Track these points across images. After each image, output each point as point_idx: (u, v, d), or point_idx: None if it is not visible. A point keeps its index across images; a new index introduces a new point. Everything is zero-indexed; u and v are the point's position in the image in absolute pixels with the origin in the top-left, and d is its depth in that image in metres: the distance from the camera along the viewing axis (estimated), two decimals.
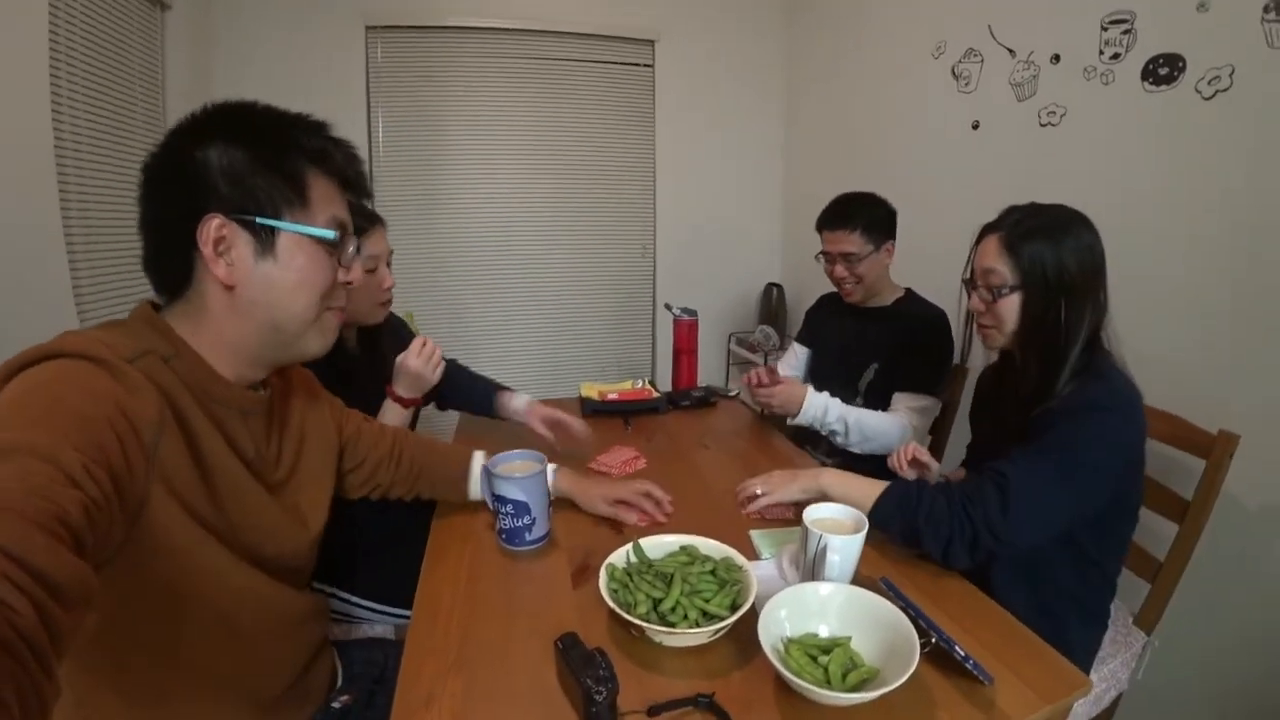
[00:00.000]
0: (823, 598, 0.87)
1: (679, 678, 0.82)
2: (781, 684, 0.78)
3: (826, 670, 0.77)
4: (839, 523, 1.00)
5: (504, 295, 3.55)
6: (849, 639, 0.83)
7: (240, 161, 0.74)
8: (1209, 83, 1.52)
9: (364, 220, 1.35)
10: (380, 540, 1.35)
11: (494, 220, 3.47)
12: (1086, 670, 1.17)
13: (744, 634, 0.85)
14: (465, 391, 1.72)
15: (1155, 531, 1.30)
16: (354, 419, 1.15)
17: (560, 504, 1.25)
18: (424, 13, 3.20)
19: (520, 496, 1.10)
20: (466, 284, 3.49)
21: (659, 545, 1.02)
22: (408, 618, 1.35)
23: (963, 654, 0.80)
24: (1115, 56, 1.75)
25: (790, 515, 1.24)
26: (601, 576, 0.93)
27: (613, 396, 1.91)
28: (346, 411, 1.15)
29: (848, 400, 1.73)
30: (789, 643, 0.82)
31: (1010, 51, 2.11)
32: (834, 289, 1.96)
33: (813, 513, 1.00)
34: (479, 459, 1.25)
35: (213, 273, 0.74)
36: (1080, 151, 1.88)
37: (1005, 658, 0.85)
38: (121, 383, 0.63)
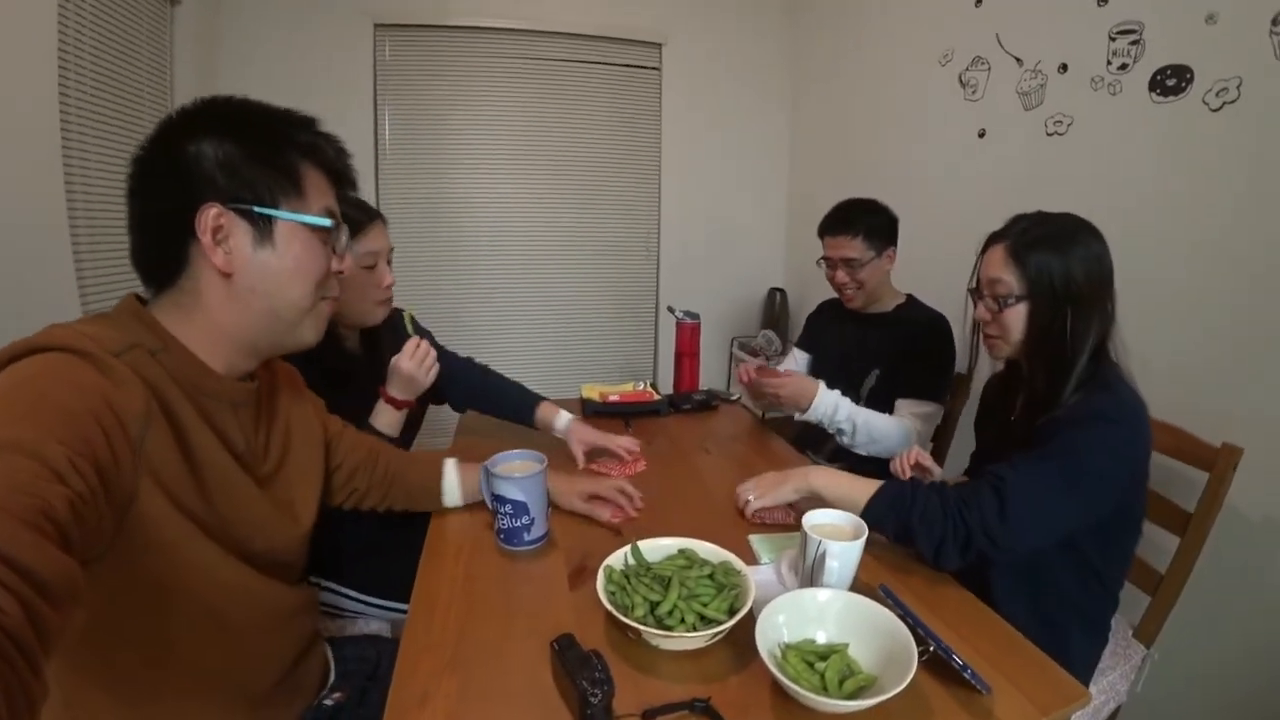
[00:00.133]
0: (821, 604, 0.87)
1: (675, 681, 0.81)
2: (778, 690, 0.78)
3: (823, 677, 0.77)
4: (838, 528, 1.00)
5: (507, 295, 3.55)
6: (846, 646, 0.82)
7: (235, 154, 0.75)
8: (1216, 94, 1.52)
9: (363, 215, 1.35)
10: (376, 534, 1.34)
11: (498, 220, 3.47)
12: (1086, 682, 1.16)
13: (741, 639, 0.85)
14: (494, 395, 1.68)
15: (1156, 544, 1.30)
16: (335, 421, 1.15)
17: (567, 510, 1.25)
18: (432, 12, 3.21)
19: (519, 496, 1.10)
20: (470, 283, 3.49)
21: (657, 548, 1.01)
22: (403, 612, 1.36)
23: (960, 663, 0.79)
24: (1123, 67, 1.75)
25: (791, 520, 1.24)
26: (599, 578, 0.92)
27: (614, 398, 1.91)
28: (329, 414, 1.15)
29: None
30: (786, 648, 0.82)
31: (1018, 60, 2.11)
32: (835, 295, 1.96)
33: (812, 518, 0.99)
34: (451, 466, 1.25)
35: (211, 261, 0.74)
36: (1087, 161, 1.87)
37: (1003, 668, 0.84)
38: (107, 376, 0.63)
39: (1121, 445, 1.03)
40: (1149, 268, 1.61)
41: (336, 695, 1.02)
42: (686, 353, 2.07)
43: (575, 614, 0.95)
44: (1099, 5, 1.81)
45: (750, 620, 0.84)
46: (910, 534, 1.05)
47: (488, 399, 1.69)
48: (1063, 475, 1.00)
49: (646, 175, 3.63)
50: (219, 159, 0.74)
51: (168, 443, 0.70)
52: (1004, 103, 2.16)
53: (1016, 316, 1.12)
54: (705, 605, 0.87)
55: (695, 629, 0.84)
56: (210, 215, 0.73)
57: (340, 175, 0.88)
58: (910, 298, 1.91)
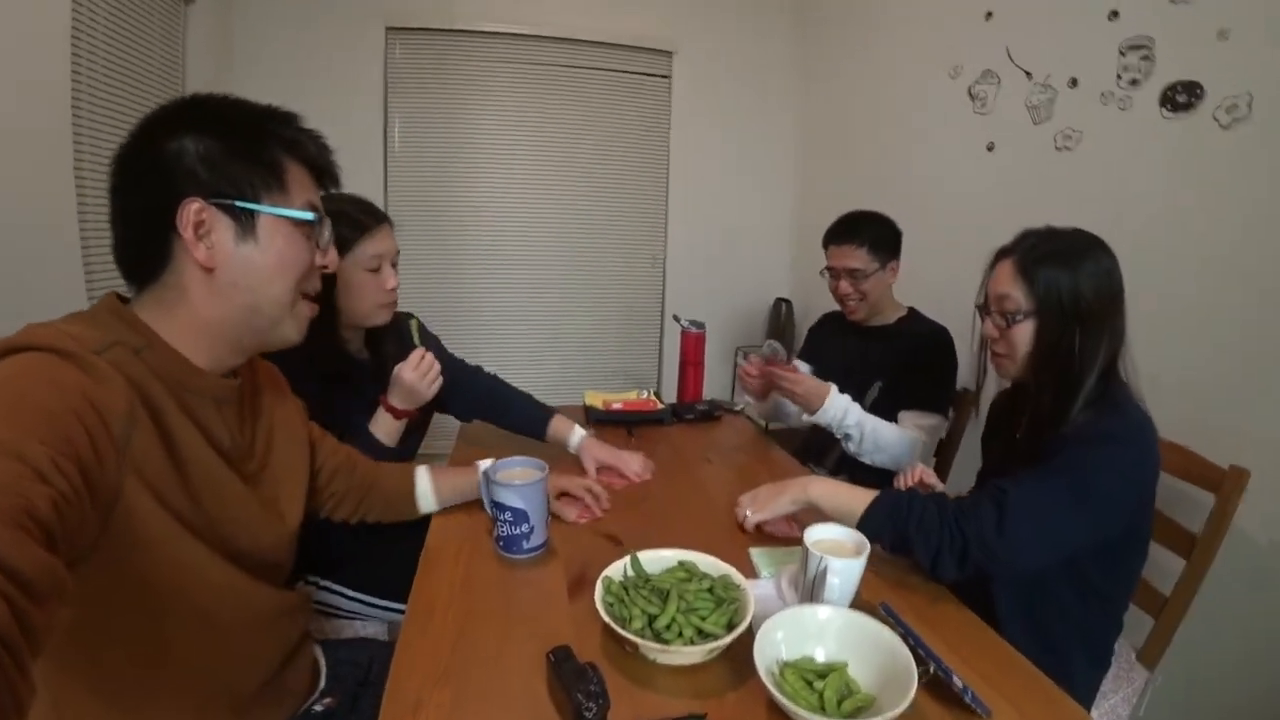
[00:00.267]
0: (821, 621, 0.86)
1: (671, 696, 0.81)
2: (775, 708, 0.76)
3: (822, 696, 0.76)
4: (840, 544, 0.99)
5: (512, 300, 3.56)
6: (846, 664, 0.81)
7: (216, 149, 0.75)
8: (1227, 111, 1.51)
9: (370, 218, 1.34)
10: (374, 533, 1.33)
11: (505, 225, 3.49)
12: (1088, 706, 1.15)
13: (739, 654, 0.84)
14: (504, 407, 1.67)
15: (1161, 565, 1.28)
16: (314, 426, 1.14)
17: (560, 516, 1.24)
18: (444, 16, 3.23)
19: (519, 504, 1.09)
20: (475, 287, 3.51)
21: (657, 560, 1.00)
22: (399, 613, 1.35)
23: (961, 685, 0.78)
24: (1133, 82, 1.74)
25: (795, 532, 1.22)
26: (597, 589, 0.92)
27: (617, 406, 1.91)
28: (309, 421, 1.14)
29: None
30: (784, 666, 0.81)
31: (1027, 74, 2.10)
32: (835, 308, 1.96)
33: (813, 534, 0.98)
34: (423, 472, 1.25)
35: (193, 256, 0.74)
36: (1096, 176, 1.87)
37: (1004, 690, 0.83)
38: (89, 375, 0.62)
39: (1130, 467, 1.01)
40: (1158, 284, 1.60)
41: (327, 701, 1.01)
42: (691, 362, 2.07)
43: (573, 624, 0.95)
44: (1110, 20, 1.81)
45: (749, 636, 0.83)
46: (907, 543, 1.04)
47: (496, 410, 1.67)
48: (1067, 493, 0.98)
49: (654, 183, 3.64)
50: (200, 154, 0.74)
51: (152, 440, 0.69)
52: (1013, 116, 2.16)
53: (1024, 333, 1.10)
54: (704, 620, 0.86)
55: (693, 643, 0.83)
56: (192, 210, 0.73)
57: (323, 171, 0.88)
58: (912, 310, 1.91)
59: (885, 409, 1.75)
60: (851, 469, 1.78)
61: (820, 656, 0.84)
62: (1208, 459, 1.28)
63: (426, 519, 1.26)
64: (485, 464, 1.28)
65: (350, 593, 1.38)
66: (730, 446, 1.80)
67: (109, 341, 0.68)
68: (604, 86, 3.49)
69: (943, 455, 1.91)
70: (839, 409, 1.62)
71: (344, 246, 1.29)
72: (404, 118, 3.30)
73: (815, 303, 3.09)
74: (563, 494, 1.28)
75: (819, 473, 1.87)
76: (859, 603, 0.96)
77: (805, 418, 1.68)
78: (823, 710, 0.74)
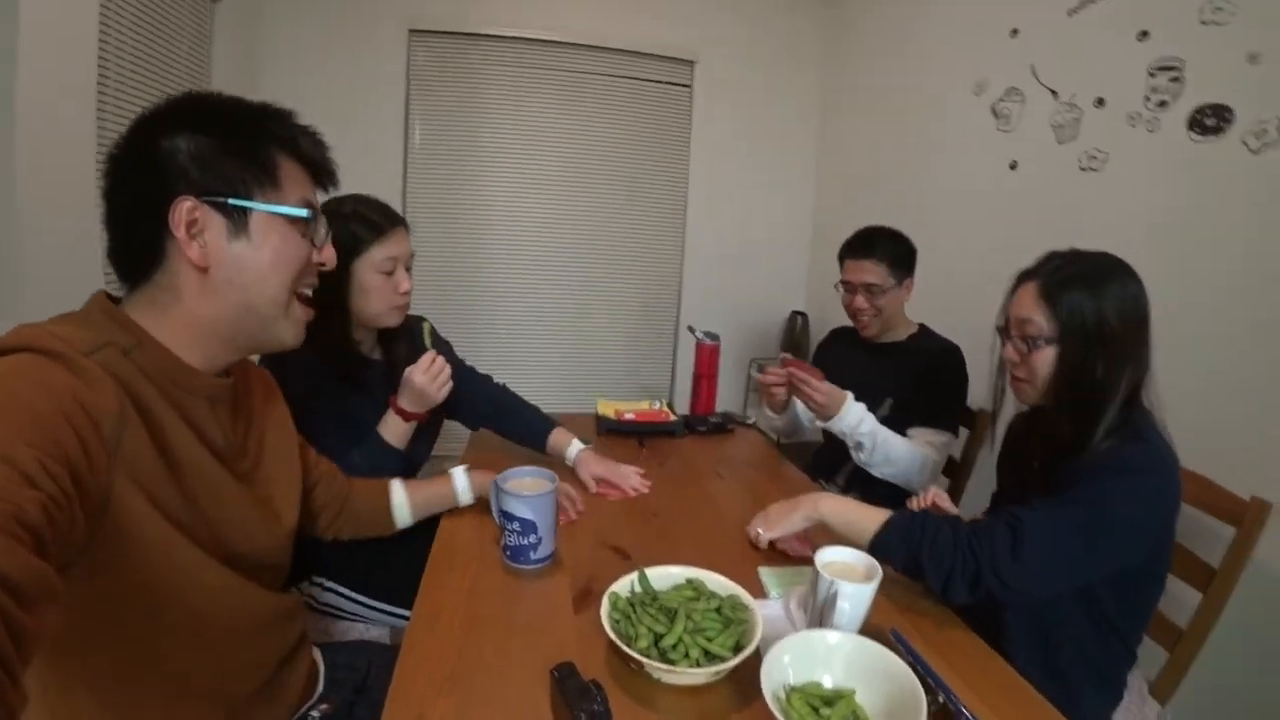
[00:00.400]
0: (830, 646, 0.85)
1: (675, 716, 0.80)
2: None
3: None
4: (851, 567, 0.97)
5: (527, 304, 3.56)
6: (853, 691, 0.80)
7: (209, 147, 0.74)
8: (1257, 135, 1.49)
9: (386, 220, 1.34)
10: (379, 537, 1.33)
11: (521, 229, 3.49)
12: None
13: (745, 677, 0.82)
14: (508, 416, 1.66)
15: (1178, 598, 1.25)
16: (299, 435, 1.13)
17: (568, 527, 1.23)
18: (467, 21, 3.25)
19: (527, 515, 1.09)
20: (490, 291, 3.51)
21: (665, 576, 0.99)
22: (402, 618, 1.35)
23: (970, 716, 0.77)
24: (1162, 104, 1.72)
25: (808, 550, 1.20)
26: (604, 605, 0.91)
27: (629, 416, 1.90)
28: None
29: None
30: (791, 691, 0.80)
31: (1053, 92, 2.08)
32: (847, 323, 1.94)
33: (825, 556, 0.97)
34: (398, 486, 1.24)
35: (186, 255, 0.74)
36: (1121, 198, 1.84)
37: None
38: (79, 376, 0.62)
39: (1150, 499, 0.99)
40: (1182, 310, 1.57)
41: (323, 706, 1.00)
42: (705, 374, 2.06)
43: (577, 638, 0.94)
44: (1139, 40, 1.79)
45: (756, 658, 0.82)
46: (919, 565, 1.02)
47: (501, 420, 1.67)
48: (1084, 523, 0.96)
49: (672, 192, 3.63)
50: (192, 152, 0.73)
51: (143, 441, 0.68)
52: (1037, 135, 2.14)
53: (1046, 359, 1.08)
54: (711, 640, 0.85)
55: (699, 664, 0.83)
56: (184, 208, 0.72)
57: (319, 167, 0.87)
58: (923, 327, 1.89)
59: (895, 426, 1.73)
60: (862, 486, 1.76)
61: (828, 682, 0.83)
62: (1229, 490, 1.25)
63: (434, 524, 1.26)
64: (457, 471, 1.29)
65: (353, 595, 1.39)
66: (741, 461, 1.79)
67: (99, 342, 0.68)
68: (624, 94, 3.50)
69: (956, 477, 1.89)
70: (855, 417, 1.61)
71: (359, 248, 1.31)
72: (424, 120, 3.32)
73: (831, 316, 3.07)
74: None
75: (830, 489, 1.85)
76: (868, 627, 0.94)
77: (819, 424, 1.66)
78: None
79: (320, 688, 1.05)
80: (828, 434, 1.84)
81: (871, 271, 1.78)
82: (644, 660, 0.82)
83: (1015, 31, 2.26)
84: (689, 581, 0.98)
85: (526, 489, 1.14)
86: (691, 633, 0.86)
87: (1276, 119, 1.45)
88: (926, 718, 0.72)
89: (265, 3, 3.02)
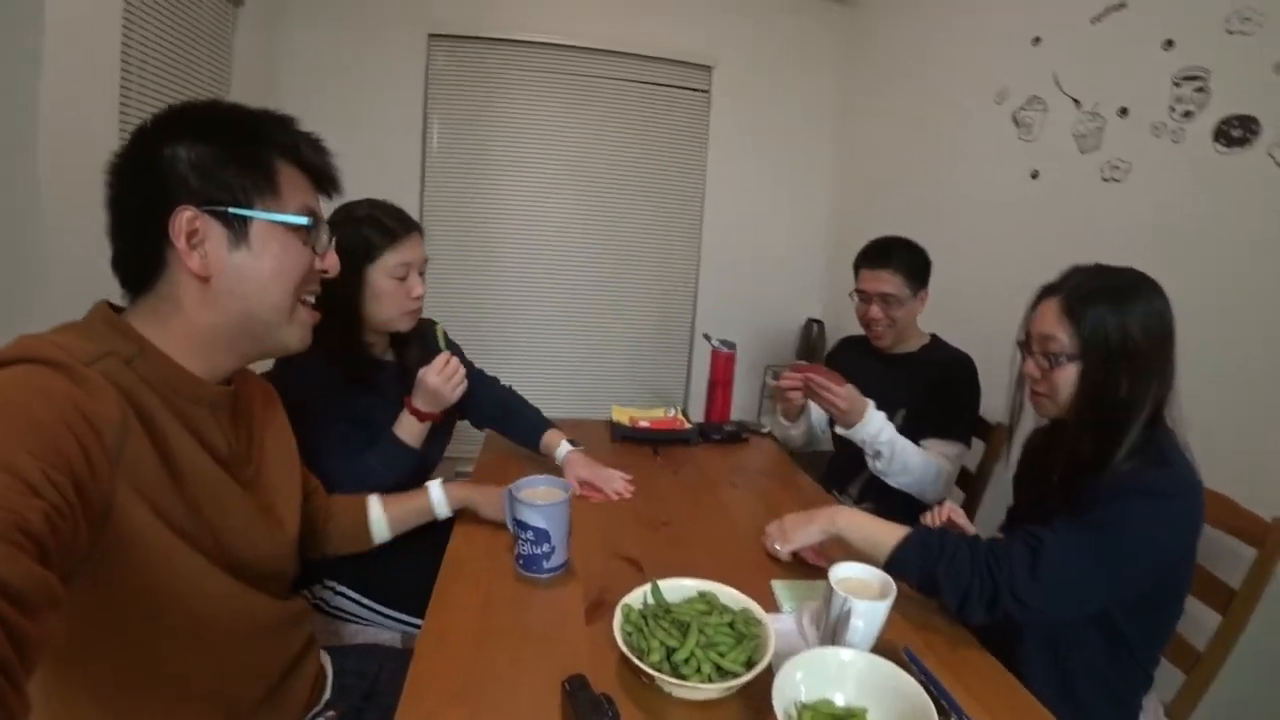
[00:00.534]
0: (842, 663, 0.84)
1: None
2: None
3: None
4: (865, 584, 0.96)
5: (542, 309, 3.55)
6: (865, 711, 0.79)
7: (209, 155, 0.74)
8: None
9: (401, 226, 1.36)
10: (393, 542, 1.33)
11: (537, 234, 3.49)
12: None
13: (757, 692, 0.82)
14: (511, 417, 1.70)
15: (1196, 619, 1.23)
16: None
17: (581, 535, 1.22)
18: (486, 25, 3.25)
19: (541, 524, 1.09)
20: (505, 294, 3.51)
21: (678, 589, 0.99)
22: (415, 625, 1.35)
23: None
24: (1187, 114, 1.70)
25: (823, 562, 1.19)
26: (616, 617, 0.91)
27: (644, 424, 1.90)
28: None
29: None
30: (803, 708, 0.79)
31: (1075, 102, 2.06)
32: (857, 333, 1.93)
33: (839, 572, 0.96)
34: (375, 502, 1.24)
35: (186, 265, 0.74)
36: (1144, 210, 1.82)
37: None
38: (81, 386, 0.62)
39: (1172, 523, 0.97)
40: (1205, 326, 1.55)
41: (330, 714, 1.00)
42: (720, 382, 2.05)
43: (589, 649, 0.94)
44: (1164, 49, 1.76)
45: (768, 674, 0.81)
46: (935, 583, 1.02)
47: (504, 420, 1.70)
48: (1105, 546, 0.95)
49: (689, 198, 3.62)
50: (192, 161, 0.73)
51: (146, 450, 0.68)
52: (1059, 144, 2.11)
53: (1068, 376, 1.06)
54: (723, 655, 0.85)
55: (711, 680, 0.82)
56: (184, 219, 0.72)
57: (321, 174, 0.86)
58: (934, 338, 1.88)
59: (908, 437, 1.72)
60: (876, 496, 1.75)
61: (840, 700, 0.82)
62: (1251, 510, 1.23)
63: (446, 531, 1.26)
64: (434, 484, 1.29)
65: (365, 600, 1.39)
66: (755, 470, 1.79)
67: (100, 352, 0.68)
68: (641, 99, 3.49)
69: (971, 491, 1.87)
70: (876, 425, 1.60)
71: (373, 253, 1.32)
72: (442, 124, 3.33)
73: (847, 324, 3.05)
74: None
75: (844, 500, 1.84)
76: (881, 645, 0.94)
77: (839, 430, 1.65)
78: None
79: (328, 694, 1.04)
80: (840, 443, 1.83)
81: (888, 282, 1.76)
82: (655, 674, 0.82)
83: (1037, 39, 2.24)
84: (701, 594, 0.98)
85: (541, 498, 1.14)
86: (704, 647, 0.86)
87: None
88: None
89: (286, 7, 3.04)
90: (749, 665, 0.84)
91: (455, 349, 1.61)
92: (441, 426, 1.50)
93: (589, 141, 3.46)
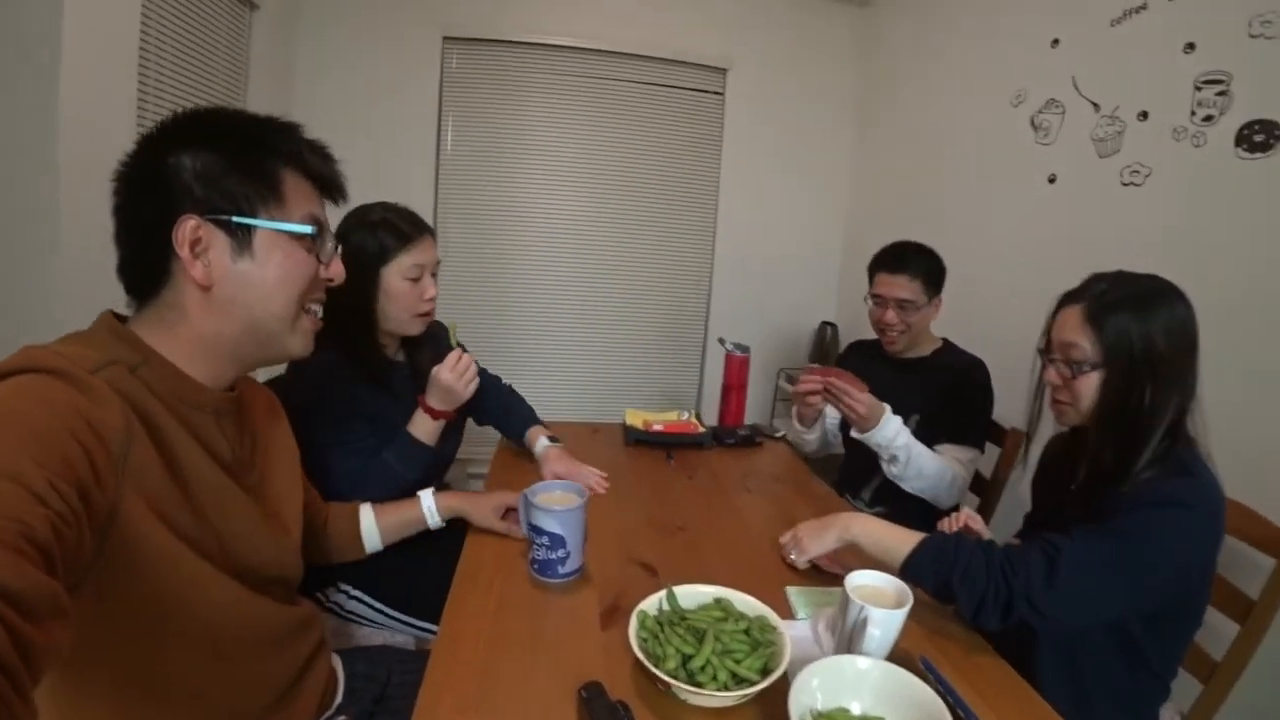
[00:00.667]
0: (859, 671, 0.84)
1: None
2: None
3: None
4: (881, 592, 0.96)
5: (554, 312, 3.55)
6: (882, 719, 0.79)
7: (213, 163, 0.74)
8: None
9: (413, 228, 1.38)
10: (406, 547, 1.34)
11: (551, 236, 3.49)
12: None
13: (773, 699, 0.82)
14: (507, 414, 1.73)
15: (1214, 628, 1.21)
16: None
17: (596, 540, 1.22)
18: (501, 28, 3.26)
19: (556, 529, 1.09)
20: (519, 296, 3.51)
21: (693, 595, 0.99)
22: (429, 630, 1.36)
23: None
24: (1208, 119, 1.68)
25: (839, 569, 1.18)
26: (632, 623, 0.91)
27: (658, 427, 1.90)
28: None
29: None
30: (819, 716, 0.79)
31: (1095, 105, 2.04)
32: (867, 337, 1.92)
33: (855, 580, 0.96)
34: (367, 511, 1.24)
35: (190, 274, 0.74)
36: (1164, 215, 1.80)
37: None
38: (85, 394, 0.62)
39: (1193, 534, 0.96)
40: (1225, 333, 1.53)
41: (341, 718, 1.00)
42: (734, 385, 2.04)
43: (604, 655, 0.94)
44: (1185, 52, 1.75)
45: (783, 681, 0.81)
46: (950, 590, 1.01)
47: (500, 417, 1.73)
48: (1123, 556, 0.94)
49: (703, 201, 3.61)
50: (196, 170, 0.74)
51: (151, 457, 0.69)
52: (1078, 148, 2.09)
53: (1090, 384, 1.05)
54: (739, 663, 0.85)
55: (727, 687, 0.82)
56: (188, 228, 0.73)
57: (327, 181, 0.86)
58: (946, 342, 1.87)
59: (921, 442, 1.72)
60: (889, 501, 1.75)
61: (856, 709, 0.82)
62: (1270, 520, 1.21)
63: (460, 535, 1.27)
64: (425, 493, 1.29)
65: (379, 605, 1.40)
66: (769, 475, 1.78)
67: (104, 360, 0.68)
68: (656, 102, 3.48)
69: (986, 498, 1.86)
70: (893, 429, 1.59)
71: (387, 255, 1.35)
72: (457, 126, 3.34)
73: (861, 327, 3.05)
74: (509, 510, 1.28)
75: (857, 504, 1.84)
76: (897, 653, 0.93)
77: (854, 434, 1.65)
78: None
79: (339, 698, 1.04)
80: (852, 447, 1.82)
81: (905, 287, 1.76)
82: (672, 681, 0.82)
83: (1056, 42, 2.22)
84: (717, 601, 0.98)
85: (556, 503, 1.15)
86: (720, 654, 0.86)
87: None
88: None
89: (301, 11, 3.06)
90: (765, 673, 0.84)
91: (462, 349, 1.62)
92: (454, 424, 1.51)
93: (603, 143, 3.46)
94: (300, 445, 1.05)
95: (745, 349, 2.04)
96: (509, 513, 1.28)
